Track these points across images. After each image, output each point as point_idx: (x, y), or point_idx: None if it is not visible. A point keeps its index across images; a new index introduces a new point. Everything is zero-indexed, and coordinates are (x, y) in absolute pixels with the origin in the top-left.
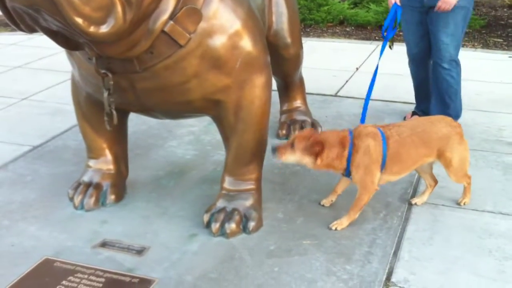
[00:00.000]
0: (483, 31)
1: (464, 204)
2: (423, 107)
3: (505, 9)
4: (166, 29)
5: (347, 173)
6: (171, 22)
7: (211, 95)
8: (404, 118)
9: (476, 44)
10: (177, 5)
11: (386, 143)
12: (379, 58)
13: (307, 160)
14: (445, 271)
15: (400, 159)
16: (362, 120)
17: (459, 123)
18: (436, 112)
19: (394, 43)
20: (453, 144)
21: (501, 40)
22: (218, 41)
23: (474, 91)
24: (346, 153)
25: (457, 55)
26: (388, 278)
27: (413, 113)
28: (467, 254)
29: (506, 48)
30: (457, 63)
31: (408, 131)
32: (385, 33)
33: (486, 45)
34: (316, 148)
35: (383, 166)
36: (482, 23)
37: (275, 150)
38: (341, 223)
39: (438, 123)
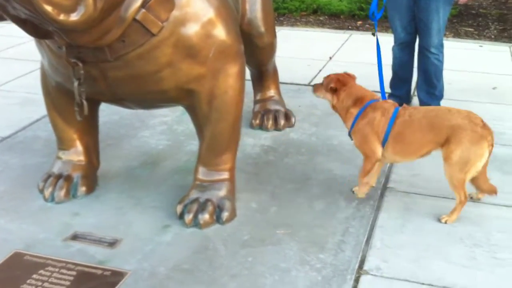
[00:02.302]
0: (454, 21)
1: (446, 222)
2: (399, 93)
3: None
4: (138, 17)
5: (349, 133)
6: (143, 10)
7: (185, 84)
8: None
9: (447, 33)
10: None
11: (393, 121)
12: (377, 41)
13: (328, 97)
14: (417, 259)
15: (403, 140)
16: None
17: (487, 125)
18: (423, 94)
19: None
20: (462, 139)
21: (472, 29)
22: (191, 30)
23: (446, 80)
24: (355, 113)
25: (442, 39)
26: (361, 266)
27: None
28: (438, 241)
29: (477, 37)
30: (442, 46)
31: (420, 114)
32: (373, 16)
33: (457, 34)
34: (332, 86)
35: (384, 142)
36: (454, 12)
37: (312, 86)
38: (357, 190)
39: (456, 113)
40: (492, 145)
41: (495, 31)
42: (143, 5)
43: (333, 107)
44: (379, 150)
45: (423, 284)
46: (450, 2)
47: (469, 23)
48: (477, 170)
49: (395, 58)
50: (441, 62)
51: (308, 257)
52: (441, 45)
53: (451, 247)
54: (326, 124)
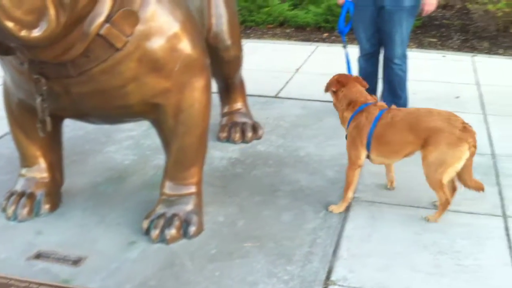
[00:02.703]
0: (418, 31)
1: (428, 220)
2: None
3: (439, 10)
4: (102, 32)
5: (346, 136)
6: (107, 24)
7: (150, 98)
8: None
9: (411, 44)
10: (113, 8)
11: (376, 123)
12: (346, 55)
13: (332, 94)
14: (383, 268)
15: (386, 141)
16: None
17: (469, 128)
18: (388, 104)
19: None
20: (440, 141)
21: (436, 40)
22: (156, 44)
23: (411, 90)
24: (348, 117)
25: (406, 50)
26: (328, 277)
27: None
28: (404, 250)
29: (440, 47)
30: (406, 57)
31: (401, 116)
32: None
33: (421, 45)
34: (332, 87)
35: (368, 145)
36: (418, 23)
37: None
38: (338, 207)
39: (436, 115)
40: (475, 147)
41: (458, 42)
42: (107, 20)
43: (335, 106)
44: (363, 156)
45: None
46: (413, 14)
47: (433, 33)
48: (455, 171)
49: (360, 69)
50: (405, 72)
51: (276, 270)
52: (405, 56)
53: (417, 255)
54: (293, 136)
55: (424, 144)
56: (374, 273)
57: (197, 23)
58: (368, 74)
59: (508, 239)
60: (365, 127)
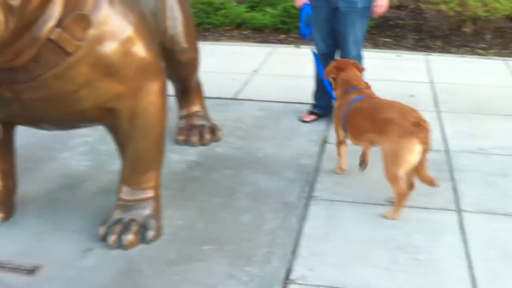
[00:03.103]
0: (374, 32)
1: (386, 217)
2: (321, 103)
3: (393, 10)
4: (52, 36)
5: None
6: (58, 29)
7: (105, 103)
8: (301, 118)
9: (367, 44)
10: (64, 12)
11: (349, 106)
12: (315, 57)
13: (332, 80)
14: (342, 265)
15: (352, 124)
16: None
17: (423, 124)
18: None
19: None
20: (392, 132)
21: (390, 40)
22: (110, 48)
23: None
24: (340, 95)
25: (361, 51)
26: (287, 276)
27: (310, 113)
28: (361, 246)
29: (395, 47)
30: (361, 58)
31: (368, 103)
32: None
33: (376, 45)
34: (331, 73)
35: (344, 125)
36: (372, 23)
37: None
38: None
39: (395, 108)
40: (426, 143)
41: (412, 41)
42: (58, 24)
43: (334, 90)
44: (341, 135)
45: None
46: (367, 15)
47: (388, 33)
48: (411, 164)
49: (316, 71)
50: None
51: (235, 271)
52: (360, 57)
53: (375, 251)
54: (252, 138)
55: (380, 134)
56: (333, 271)
57: (151, 26)
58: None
59: (462, 233)
60: (342, 108)
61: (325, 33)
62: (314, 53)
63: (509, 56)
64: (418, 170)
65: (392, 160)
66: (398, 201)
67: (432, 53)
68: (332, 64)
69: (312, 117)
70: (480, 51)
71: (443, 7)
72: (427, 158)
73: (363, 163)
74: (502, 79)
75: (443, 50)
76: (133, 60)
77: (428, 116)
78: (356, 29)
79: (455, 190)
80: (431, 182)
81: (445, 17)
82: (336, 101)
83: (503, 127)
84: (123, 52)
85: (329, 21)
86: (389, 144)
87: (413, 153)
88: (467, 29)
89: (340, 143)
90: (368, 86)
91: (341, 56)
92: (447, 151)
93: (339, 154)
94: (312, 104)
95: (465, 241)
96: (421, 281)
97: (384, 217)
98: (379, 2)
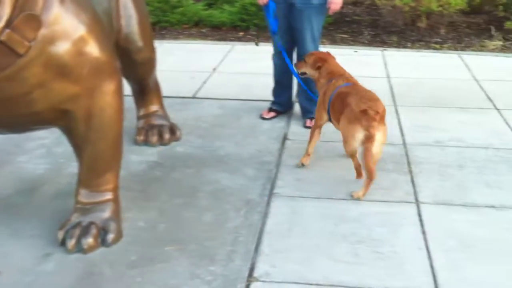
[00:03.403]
0: (331, 28)
1: (354, 196)
2: (281, 100)
3: (349, 6)
4: (2, 38)
5: None
6: (8, 30)
7: (59, 104)
8: (261, 116)
9: (324, 40)
10: (13, 12)
11: (335, 92)
12: (284, 53)
13: (312, 72)
14: (304, 260)
15: (334, 109)
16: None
17: (372, 115)
18: (303, 100)
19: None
20: (344, 115)
21: (347, 36)
22: (62, 48)
23: None
24: (323, 84)
25: (318, 47)
26: (251, 273)
27: (270, 110)
28: (323, 241)
29: (352, 43)
30: None
31: (346, 90)
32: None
33: (333, 41)
34: (318, 64)
35: (328, 110)
36: (330, 20)
37: (295, 64)
38: (303, 159)
39: (358, 95)
40: (370, 133)
41: (368, 37)
42: (7, 25)
43: (316, 80)
44: (324, 117)
45: (311, 284)
46: (323, 12)
47: (344, 30)
48: (351, 147)
49: (275, 66)
50: None
51: (198, 271)
52: None
53: (336, 246)
54: (212, 136)
55: (342, 115)
56: (296, 267)
57: (104, 25)
58: (282, 72)
59: (422, 225)
60: (328, 94)
61: (283, 29)
62: (280, 47)
63: (463, 50)
64: (364, 156)
65: (343, 138)
66: (357, 170)
67: (388, 48)
68: (316, 55)
69: (272, 114)
70: (435, 45)
71: (398, 2)
72: (371, 147)
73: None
74: (456, 72)
75: (399, 45)
76: (87, 60)
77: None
78: (313, 26)
79: (413, 182)
80: (369, 173)
81: (400, 13)
82: (319, 89)
83: (458, 120)
84: (76, 52)
85: (287, 18)
86: (341, 125)
87: (355, 138)
88: (422, 24)
89: (316, 127)
90: (351, 76)
91: (298, 52)
92: (404, 144)
93: (311, 138)
94: (272, 101)
95: (424, 233)
96: (382, 274)
97: (352, 197)
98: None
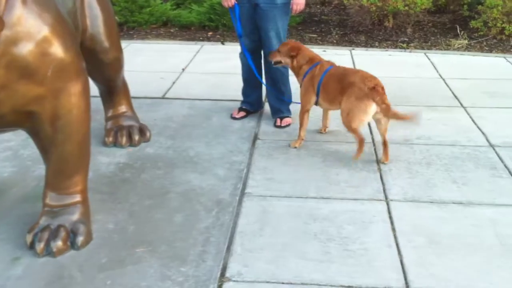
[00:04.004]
0: (300, 28)
1: (354, 158)
2: (250, 99)
3: (318, 6)
4: None
5: (300, 85)
6: None
7: (23, 106)
8: (231, 115)
9: (293, 40)
10: None
11: (324, 75)
12: (248, 56)
13: (287, 61)
14: (276, 259)
15: (327, 89)
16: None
17: (380, 90)
18: (273, 99)
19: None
20: (350, 93)
21: (316, 35)
22: (25, 49)
23: (295, 85)
24: (306, 69)
25: None
26: (223, 274)
27: (240, 110)
28: (294, 240)
29: (321, 42)
30: None
31: (339, 71)
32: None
33: (302, 41)
34: (292, 52)
35: (318, 91)
36: (298, 20)
37: (268, 54)
38: (294, 143)
39: (358, 74)
40: (386, 104)
41: (336, 36)
42: None
43: (292, 68)
44: (312, 100)
45: (282, 283)
46: (288, 12)
47: (313, 29)
48: (363, 121)
49: (243, 65)
50: (286, 68)
51: (170, 272)
52: None
53: (307, 244)
54: (182, 136)
55: (343, 94)
56: (267, 266)
57: (69, 26)
58: (250, 69)
59: (391, 222)
60: (317, 77)
61: (249, 29)
62: (244, 50)
63: (429, 49)
64: (379, 129)
65: (346, 116)
66: (360, 146)
67: (356, 48)
68: (290, 44)
69: (242, 113)
70: (402, 44)
71: (365, 2)
72: (387, 117)
73: (324, 131)
74: (423, 71)
75: (367, 44)
76: (51, 61)
77: None
78: (278, 25)
79: (382, 180)
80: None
81: (368, 12)
82: (300, 75)
83: (425, 118)
84: (40, 53)
85: (252, 17)
86: (346, 102)
87: (367, 113)
88: (389, 23)
89: (305, 111)
90: (323, 60)
91: (265, 53)
92: (373, 143)
93: (302, 123)
94: (242, 100)
95: (393, 230)
96: (352, 271)
97: (353, 159)
98: (297, 0)
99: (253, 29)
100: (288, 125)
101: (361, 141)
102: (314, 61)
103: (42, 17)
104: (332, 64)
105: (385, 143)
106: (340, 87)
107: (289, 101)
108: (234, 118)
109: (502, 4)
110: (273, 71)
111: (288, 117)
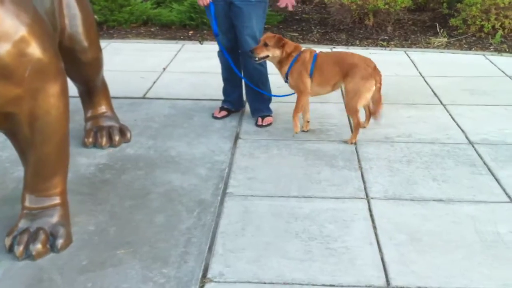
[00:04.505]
0: (281, 26)
1: (351, 143)
2: (231, 98)
3: (299, 5)
4: None
5: (286, 76)
6: None
7: (1, 108)
8: (212, 115)
9: (269, 32)
10: None
11: (316, 57)
12: (226, 54)
13: (277, 53)
14: (257, 259)
15: (321, 72)
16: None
17: (378, 70)
18: (252, 98)
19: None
20: (354, 74)
21: (297, 34)
22: (2, 50)
23: (276, 83)
24: (292, 58)
25: None
26: (204, 274)
27: (221, 109)
28: (276, 239)
29: (302, 41)
30: None
31: (332, 54)
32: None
33: None
34: (282, 42)
35: (311, 73)
36: (280, 18)
37: (252, 51)
38: (294, 128)
39: (356, 56)
40: (381, 84)
41: (317, 35)
42: None
43: (279, 59)
44: (309, 83)
45: (264, 283)
46: (262, 9)
47: (294, 28)
48: (366, 100)
49: (222, 64)
50: (264, 66)
51: (151, 274)
52: None
53: (289, 243)
54: (163, 136)
55: (345, 76)
56: (249, 266)
57: (47, 26)
58: (229, 67)
59: (372, 220)
60: (309, 61)
61: (225, 27)
62: (222, 48)
63: (409, 47)
64: (373, 104)
65: (354, 96)
66: (356, 129)
67: (337, 46)
68: (274, 36)
69: (224, 113)
70: (382, 42)
71: (345, 1)
72: (381, 95)
73: (306, 128)
74: (403, 69)
75: (348, 42)
76: (29, 61)
77: (335, 108)
78: (253, 23)
79: (363, 178)
80: (378, 103)
81: (348, 11)
82: (285, 65)
83: (405, 115)
84: (17, 53)
85: (227, 15)
86: (352, 83)
87: (370, 91)
88: (369, 22)
89: (306, 95)
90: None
91: (241, 51)
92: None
93: (304, 109)
94: (223, 100)
95: (375, 228)
96: (334, 270)
97: (346, 142)
98: None
99: (229, 28)
100: (270, 124)
101: (358, 124)
102: (299, 47)
103: (19, 17)
104: (314, 50)
105: (378, 103)
106: (338, 69)
107: (269, 99)
108: (216, 118)
109: (481, 2)
110: (251, 71)
111: (269, 115)
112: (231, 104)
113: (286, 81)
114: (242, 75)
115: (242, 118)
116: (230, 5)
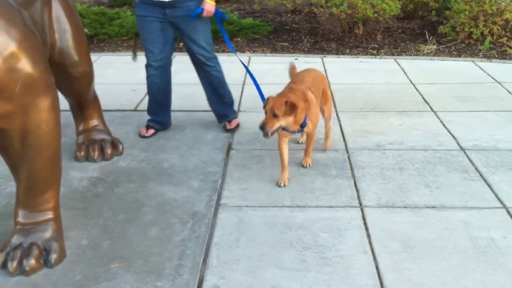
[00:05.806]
0: (271, 37)
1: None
2: (162, 119)
3: (289, 15)
4: None
5: (304, 124)
6: None
7: None
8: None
9: (265, 49)
10: None
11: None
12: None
13: (290, 121)
14: (252, 270)
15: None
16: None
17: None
18: (215, 105)
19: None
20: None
21: (287, 44)
22: None
23: (266, 94)
24: (307, 107)
25: (213, 51)
26: (199, 287)
27: (148, 127)
28: (271, 250)
29: (292, 51)
30: (216, 58)
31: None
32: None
33: (274, 50)
34: (294, 109)
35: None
36: (270, 29)
37: (263, 128)
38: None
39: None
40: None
41: (308, 44)
42: None
43: (296, 122)
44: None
45: None
46: (206, 19)
47: (284, 38)
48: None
49: (153, 84)
50: (220, 72)
51: (146, 287)
52: (214, 57)
53: (283, 253)
54: (156, 149)
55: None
56: (244, 277)
57: (37, 41)
58: (164, 87)
59: (366, 228)
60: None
61: (162, 42)
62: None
63: (399, 55)
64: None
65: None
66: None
67: (328, 55)
68: (287, 103)
69: (152, 131)
70: (372, 51)
71: (334, 10)
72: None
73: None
74: (393, 77)
75: (338, 51)
76: (19, 77)
77: None
78: (198, 31)
79: (356, 187)
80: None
81: (338, 20)
82: (302, 111)
83: (396, 123)
84: (7, 69)
85: (165, 30)
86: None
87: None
88: (359, 30)
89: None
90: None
91: (197, 62)
92: (346, 150)
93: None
94: (149, 119)
95: (369, 236)
96: (329, 279)
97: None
98: (206, 7)
99: (165, 43)
100: (238, 125)
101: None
102: (306, 96)
103: (9, 33)
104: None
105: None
106: (317, 90)
107: (231, 102)
108: (144, 137)
109: (469, 9)
110: (211, 78)
111: (235, 118)
112: (160, 124)
113: (300, 131)
114: (201, 82)
115: (235, 129)
116: (171, 24)
